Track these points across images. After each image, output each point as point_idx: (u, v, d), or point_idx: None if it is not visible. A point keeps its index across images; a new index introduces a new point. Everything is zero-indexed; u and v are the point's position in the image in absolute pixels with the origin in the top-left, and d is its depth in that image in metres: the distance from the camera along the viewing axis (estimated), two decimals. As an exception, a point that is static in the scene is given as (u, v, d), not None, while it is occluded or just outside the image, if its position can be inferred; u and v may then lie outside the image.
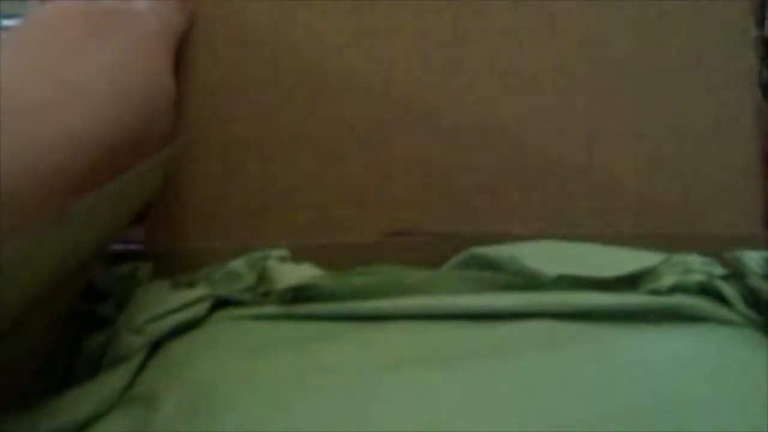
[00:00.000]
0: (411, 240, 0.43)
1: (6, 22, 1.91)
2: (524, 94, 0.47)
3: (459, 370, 0.33)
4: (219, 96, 0.44)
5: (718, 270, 0.40)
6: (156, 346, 0.36)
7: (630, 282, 0.40)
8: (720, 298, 0.39)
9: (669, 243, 0.42)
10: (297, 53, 0.45)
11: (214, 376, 0.32)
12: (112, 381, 0.33)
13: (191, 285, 0.39)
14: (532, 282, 0.39)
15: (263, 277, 0.39)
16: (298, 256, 0.41)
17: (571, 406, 0.31)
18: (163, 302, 0.37)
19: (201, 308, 0.38)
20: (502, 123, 0.46)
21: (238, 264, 0.39)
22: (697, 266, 0.40)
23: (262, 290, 0.39)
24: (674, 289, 0.39)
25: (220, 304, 0.39)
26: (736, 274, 0.40)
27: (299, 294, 0.38)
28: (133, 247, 0.42)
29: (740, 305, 0.39)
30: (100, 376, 0.33)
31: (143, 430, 0.30)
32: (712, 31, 0.48)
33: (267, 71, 0.45)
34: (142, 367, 0.35)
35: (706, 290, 0.39)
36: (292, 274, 0.39)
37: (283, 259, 0.40)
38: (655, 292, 0.39)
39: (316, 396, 0.31)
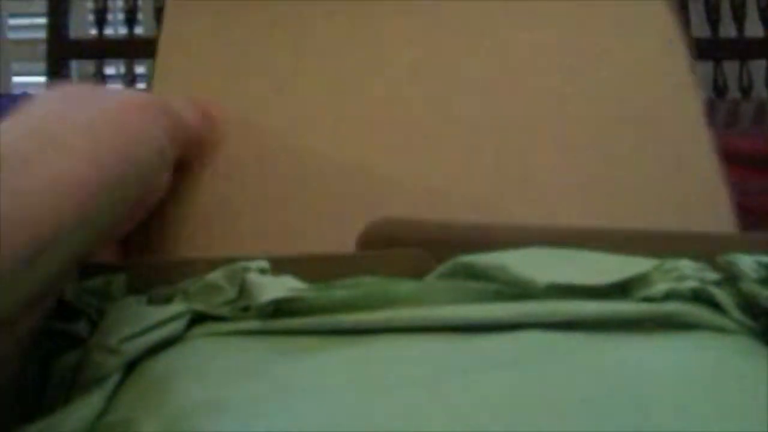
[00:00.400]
0: (393, 251, 0.41)
1: (12, 21, 1.88)
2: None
3: (448, 389, 0.31)
4: None
5: (712, 276, 0.39)
6: (131, 366, 0.35)
7: (622, 289, 0.39)
8: (714, 305, 0.38)
9: (660, 245, 0.41)
10: None
11: (192, 403, 0.31)
12: (87, 409, 0.32)
13: (168, 300, 0.38)
14: (522, 291, 0.38)
15: (243, 290, 0.38)
16: (277, 268, 0.40)
17: (570, 422, 0.30)
18: (139, 319, 0.36)
19: (178, 325, 0.36)
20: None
21: (216, 277, 0.38)
22: (690, 272, 0.39)
23: (242, 305, 0.37)
24: (668, 296, 0.38)
25: (199, 318, 0.37)
26: (730, 279, 0.39)
27: (280, 308, 0.37)
28: (107, 260, 0.40)
29: (735, 312, 0.38)
30: (74, 404, 0.32)
31: None
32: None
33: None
34: (117, 390, 0.33)
35: (699, 297, 0.38)
36: (273, 287, 0.37)
37: (263, 271, 0.39)
38: (649, 300, 0.38)
39: (297, 422, 0.30)
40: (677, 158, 0.48)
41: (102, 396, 0.32)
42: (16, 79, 1.97)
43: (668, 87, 0.50)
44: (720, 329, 0.37)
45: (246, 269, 0.38)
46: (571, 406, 0.31)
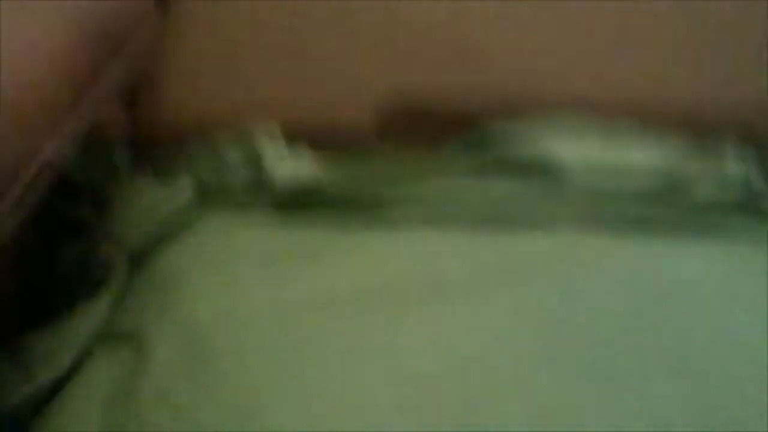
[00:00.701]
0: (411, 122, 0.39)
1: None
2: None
3: (477, 301, 0.31)
4: None
5: (757, 183, 0.37)
6: (139, 258, 0.33)
7: (668, 189, 0.36)
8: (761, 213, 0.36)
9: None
10: None
11: (207, 315, 0.30)
12: (94, 317, 0.31)
13: (175, 174, 0.35)
14: (551, 170, 0.36)
15: (258, 171, 0.35)
16: (289, 134, 0.37)
17: (601, 328, 0.30)
18: (148, 204, 0.33)
19: (188, 209, 0.34)
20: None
21: (227, 150, 0.35)
22: (735, 176, 0.37)
23: (257, 186, 0.35)
24: (711, 206, 0.36)
25: (207, 192, 0.35)
26: None
27: (298, 197, 0.35)
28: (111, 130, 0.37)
29: None
30: (80, 312, 0.31)
31: (132, 380, 0.28)
32: None
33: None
34: (125, 289, 0.32)
35: (743, 205, 0.37)
36: (292, 172, 0.35)
37: (274, 137, 0.36)
38: (693, 208, 0.36)
39: (315, 336, 0.29)
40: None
41: (109, 300, 0.31)
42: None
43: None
44: (759, 240, 0.35)
45: (261, 147, 0.35)
46: (597, 319, 0.30)
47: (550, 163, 0.36)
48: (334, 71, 0.41)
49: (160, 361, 0.28)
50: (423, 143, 0.38)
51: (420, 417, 0.26)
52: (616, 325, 0.30)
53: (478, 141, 0.38)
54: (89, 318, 0.30)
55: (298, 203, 0.35)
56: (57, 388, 0.29)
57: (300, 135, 0.37)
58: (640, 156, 0.37)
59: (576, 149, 0.36)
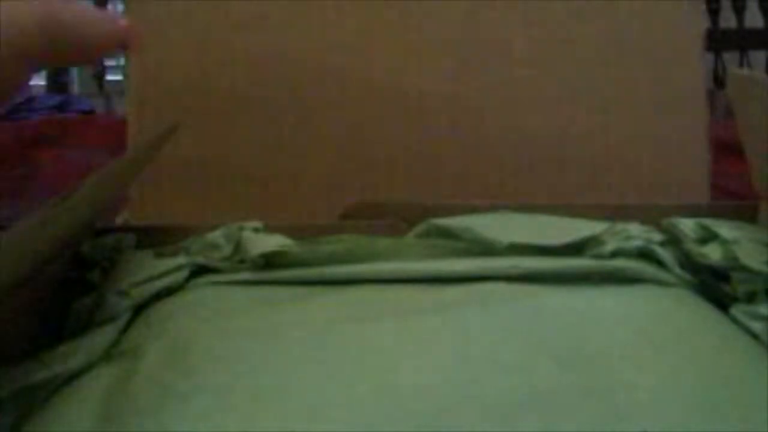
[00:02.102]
0: (374, 222, 0.48)
1: None
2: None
3: (411, 323, 0.38)
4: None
5: (657, 236, 0.46)
6: (139, 310, 0.41)
7: (576, 248, 0.45)
8: (658, 262, 0.45)
9: (616, 213, 0.48)
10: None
11: (193, 332, 0.37)
12: (101, 337, 0.38)
13: (172, 254, 0.44)
14: (486, 249, 0.45)
15: (238, 246, 0.44)
16: (270, 231, 0.46)
17: (504, 350, 0.36)
18: (147, 268, 0.42)
19: (181, 275, 0.43)
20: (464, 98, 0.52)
21: (215, 235, 0.45)
22: (637, 233, 0.45)
23: (237, 258, 0.44)
24: (616, 254, 0.44)
25: (199, 271, 0.44)
26: (673, 240, 0.46)
27: (271, 261, 0.44)
28: (118, 224, 0.47)
29: (675, 268, 0.44)
30: (89, 333, 0.38)
31: (128, 377, 0.35)
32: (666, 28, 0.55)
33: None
34: (127, 327, 0.40)
35: (645, 255, 0.45)
36: (265, 242, 0.44)
37: (257, 231, 0.45)
38: (598, 257, 0.44)
39: (282, 346, 0.36)
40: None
41: (114, 330, 0.39)
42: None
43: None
44: (662, 283, 0.43)
45: (242, 228, 0.45)
46: (510, 340, 0.37)
47: (481, 243, 0.45)
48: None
49: (148, 363, 0.35)
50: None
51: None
52: (531, 344, 0.37)
53: (426, 231, 0.47)
54: (97, 338, 0.38)
55: (270, 266, 0.44)
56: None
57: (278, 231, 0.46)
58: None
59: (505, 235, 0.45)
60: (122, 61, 1.80)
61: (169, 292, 0.42)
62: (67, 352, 0.36)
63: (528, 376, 0.34)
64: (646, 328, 0.39)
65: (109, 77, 1.76)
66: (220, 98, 0.52)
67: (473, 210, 0.48)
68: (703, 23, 0.55)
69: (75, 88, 1.93)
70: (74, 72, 1.92)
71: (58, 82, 1.64)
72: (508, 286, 0.42)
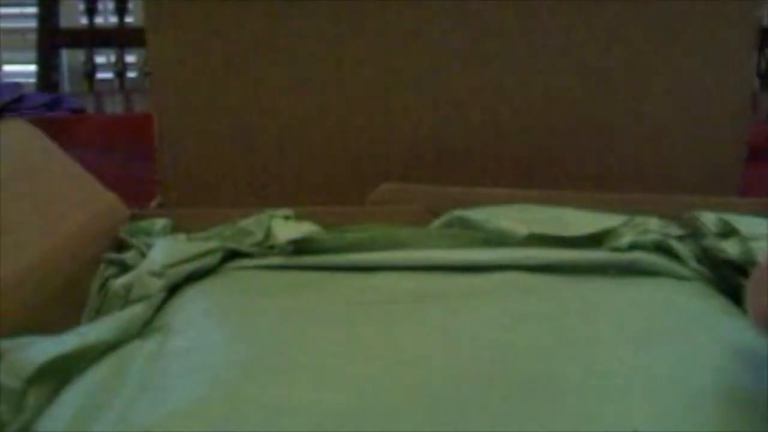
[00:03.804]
0: (399, 207, 0.51)
1: (2, 10, 1.96)
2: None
3: (431, 308, 0.41)
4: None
5: (674, 231, 0.49)
6: (173, 290, 0.44)
7: (594, 240, 0.48)
8: (675, 256, 0.48)
9: (637, 206, 0.51)
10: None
11: (223, 313, 0.41)
12: (136, 314, 0.40)
13: (205, 239, 0.47)
14: (506, 240, 0.48)
15: (269, 233, 0.47)
16: (299, 217, 0.49)
17: (517, 335, 0.39)
18: (181, 251, 0.45)
19: (214, 258, 0.46)
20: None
21: (247, 222, 0.48)
22: (655, 227, 0.49)
23: (268, 244, 0.47)
24: (633, 247, 0.48)
25: (231, 256, 0.47)
26: (694, 234, 0.49)
27: (300, 247, 0.47)
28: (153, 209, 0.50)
29: (692, 262, 0.47)
30: (125, 310, 0.41)
31: (162, 352, 0.37)
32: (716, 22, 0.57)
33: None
34: (161, 306, 0.43)
35: (662, 248, 0.48)
36: (294, 229, 0.47)
37: (287, 218, 0.48)
38: (616, 250, 0.47)
39: (309, 327, 0.39)
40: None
41: (149, 308, 0.41)
42: (6, 68, 2.06)
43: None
44: (677, 276, 0.46)
45: (272, 216, 0.48)
46: (534, 328, 0.40)
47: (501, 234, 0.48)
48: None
49: (183, 337, 0.38)
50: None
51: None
52: (544, 332, 0.39)
53: (449, 221, 0.50)
54: (132, 315, 0.40)
55: (298, 252, 0.47)
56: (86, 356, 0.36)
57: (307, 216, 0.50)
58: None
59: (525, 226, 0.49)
60: (112, 59, 1.82)
61: (202, 274, 0.45)
62: (104, 326, 0.39)
63: (537, 358, 0.37)
64: (655, 317, 0.42)
65: (99, 75, 1.79)
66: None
67: (496, 199, 0.51)
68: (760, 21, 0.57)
69: (65, 87, 1.94)
70: (64, 70, 1.94)
71: (48, 81, 1.66)
72: (525, 275, 0.45)
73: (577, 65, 0.55)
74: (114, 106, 1.61)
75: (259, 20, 0.54)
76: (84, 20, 1.83)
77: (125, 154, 1.01)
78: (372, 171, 0.53)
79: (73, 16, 1.92)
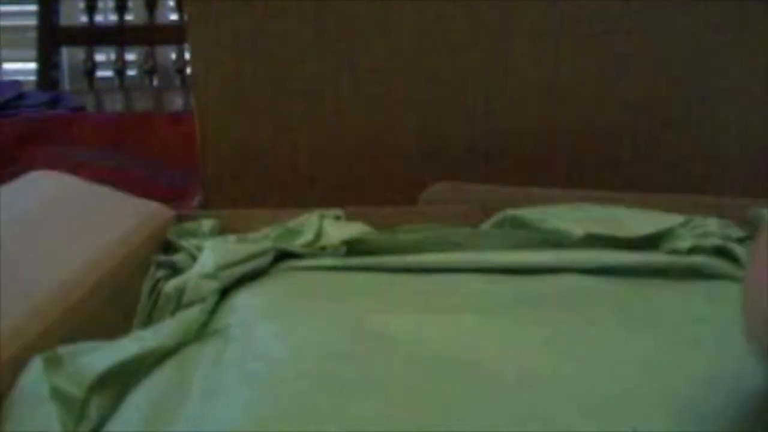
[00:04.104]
0: (451, 208, 0.50)
1: (2, 8, 1.95)
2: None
3: (496, 320, 0.40)
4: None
5: (735, 232, 0.48)
6: (225, 292, 0.43)
7: (652, 241, 0.47)
8: (735, 259, 0.47)
9: (695, 207, 0.50)
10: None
11: (276, 316, 0.40)
12: (192, 318, 0.39)
13: (256, 240, 0.46)
14: (562, 240, 0.47)
15: (320, 233, 0.46)
16: (350, 217, 0.48)
17: (590, 352, 0.38)
18: (232, 253, 0.44)
19: (265, 260, 0.45)
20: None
21: (298, 222, 0.47)
22: (715, 229, 0.48)
23: (320, 245, 0.46)
24: (693, 251, 0.47)
25: (282, 257, 0.46)
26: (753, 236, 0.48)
27: (352, 248, 0.45)
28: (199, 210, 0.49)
29: None
30: (182, 314, 0.40)
31: (219, 357, 0.36)
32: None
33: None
34: (214, 308, 0.42)
35: (722, 251, 0.47)
36: (345, 229, 0.46)
37: (337, 218, 0.47)
38: (675, 252, 0.47)
39: (362, 334, 0.38)
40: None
41: (204, 311, 0.40)
42: (6, 65, 2.04)
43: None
44: (737, 280, 0.45)
45: (323, 216, 0.47)
46: (595, 343, 0.39)
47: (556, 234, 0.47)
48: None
49: (239, 342, 0.37)
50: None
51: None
52: (606, 340, 0.39)
53: (502, 221, 0.49)
54: (188, 318, 0.39)
55: (351, 253, 0.46)
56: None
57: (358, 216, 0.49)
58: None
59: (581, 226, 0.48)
60: (112, 57, 1.81)
61: (254, 275, 0.44)
62: (162, 331, 0.38)
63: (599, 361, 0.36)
64: (718, 327, 0.41)
65: (99, 73, 1.77)
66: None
67: (550, 198, 0.50)
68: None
69: (65, 85, 1.93)
70: (64, 68, 1.92)
71: (48, 79, 1.65)
72: (583, 279, 0.44)
73: (636, 66, 0.55)
74: (114, 105, 1.59)
75: (305, 16, 0.53)
76: (84, 18, 1.82)
77: (125, 153, 1.01)
78: (422, 171, 0.52)
79: (73, 14, 1.90)
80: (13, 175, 0.97)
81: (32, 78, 1.68)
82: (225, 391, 0.34)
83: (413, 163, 0.53)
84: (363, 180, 0.53)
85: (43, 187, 0.48)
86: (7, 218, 0.43)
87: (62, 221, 0.44)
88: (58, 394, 0.31)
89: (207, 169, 0.51)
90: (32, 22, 1.70)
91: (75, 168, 0.91)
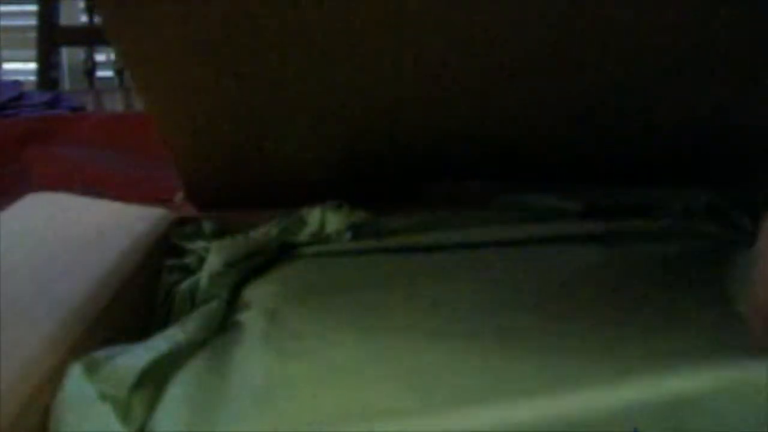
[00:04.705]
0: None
1: (2, 8, 1.96)
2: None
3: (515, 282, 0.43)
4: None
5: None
6: (237, 287, 0.44)
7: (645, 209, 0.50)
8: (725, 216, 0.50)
9: None
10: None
11: (288, 305, 0.41)
12: (211, 313, 0.41)
13: (262, 235, 0.48)
14: (561, 215, 0.50)
15: (324, 223, 0.48)
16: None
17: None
18: (240, 248, 0.45)
19: (273, 253, 0.47)
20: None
21: (300, 214, 0.49)
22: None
23: (324, 234, 0.48)
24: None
25: (287, 248, 0.48)
26: None
27: (358, 233, 0.48)
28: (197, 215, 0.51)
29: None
30: (200, 310, 0.41)
31: (251, 348, 0.38)
32: None
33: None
34: (228, 304, 0.43)
35: (713, 209, 0.50)
36: (350, 216, 0.48)
37: (339, 206, 0.49)
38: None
39: (375, 318, 0.39)
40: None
41: (220, 307, 0.42)
42: (6, 65, 2.06)
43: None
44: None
45: (323, 208, 0.49)
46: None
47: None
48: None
49: (255, 335, 0.38)
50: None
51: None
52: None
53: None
54: (206, 314, 0.40)
55: (357, 238, 0.48)
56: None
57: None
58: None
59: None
60: (112, 57, 1.82)
61: (263, 269, 0.46)
62: (188, 325, 0.39)
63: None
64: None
65: (99, 73, 1.79)
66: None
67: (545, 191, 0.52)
68: None
69: (65, 85, 1.94)
70: (64, 68, 1.94)
71: (47, 79, 1.65)
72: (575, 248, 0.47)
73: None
74: (114, 104, 1.61)
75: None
76: (84, 18, 1.83)
77: (125, 153, 1.01)
78: (422, 171, 0.54)
79: (73, 14, 1.91)
80: (13, 175, 0.98)
81: (32, 78, 1.69)
82: (270, 386, 0.34)
83: (413, 163, 0.54)
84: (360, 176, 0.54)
85: (46, 210, 0.50)
86: (18, 244, 0.45)
87: (72, 240, 0.45)
88: (103, 397, 0.31)
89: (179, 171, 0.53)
90: (32, 22, 1.71)
91: (75, 168, 0.92)
